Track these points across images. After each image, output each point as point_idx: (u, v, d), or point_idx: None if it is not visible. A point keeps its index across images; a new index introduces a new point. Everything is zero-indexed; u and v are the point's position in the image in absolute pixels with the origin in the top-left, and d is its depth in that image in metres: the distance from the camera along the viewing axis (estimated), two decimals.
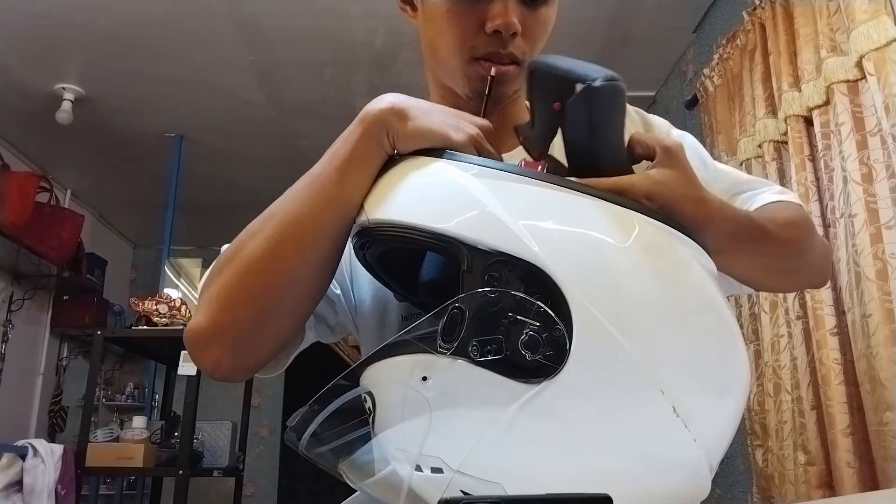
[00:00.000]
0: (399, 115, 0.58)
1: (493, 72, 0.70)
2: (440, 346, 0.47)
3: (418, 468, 0.47)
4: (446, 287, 0.63)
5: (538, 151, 0.58)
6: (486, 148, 0.59)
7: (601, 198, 0.51)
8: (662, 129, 0.87)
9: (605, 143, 0.56)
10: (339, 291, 0.80)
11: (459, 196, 0.51)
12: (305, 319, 0.68)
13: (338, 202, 0.59)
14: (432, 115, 0.59)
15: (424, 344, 0.48)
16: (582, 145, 0.56)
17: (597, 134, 0.56)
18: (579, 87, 0.54)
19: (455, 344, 0.46)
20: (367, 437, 0.51)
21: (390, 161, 0.59)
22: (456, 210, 0.50)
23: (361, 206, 0.58)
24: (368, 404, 0.51)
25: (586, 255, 0.48)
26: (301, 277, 0.61)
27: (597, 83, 0.54)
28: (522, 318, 0.46)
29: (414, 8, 0.81)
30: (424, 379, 0.47)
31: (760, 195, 0.82)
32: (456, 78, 0.76)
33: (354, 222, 0.59)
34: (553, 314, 0.46)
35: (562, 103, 0.56)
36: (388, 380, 0.50)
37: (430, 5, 0.76)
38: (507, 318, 0.46)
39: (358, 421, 0.51)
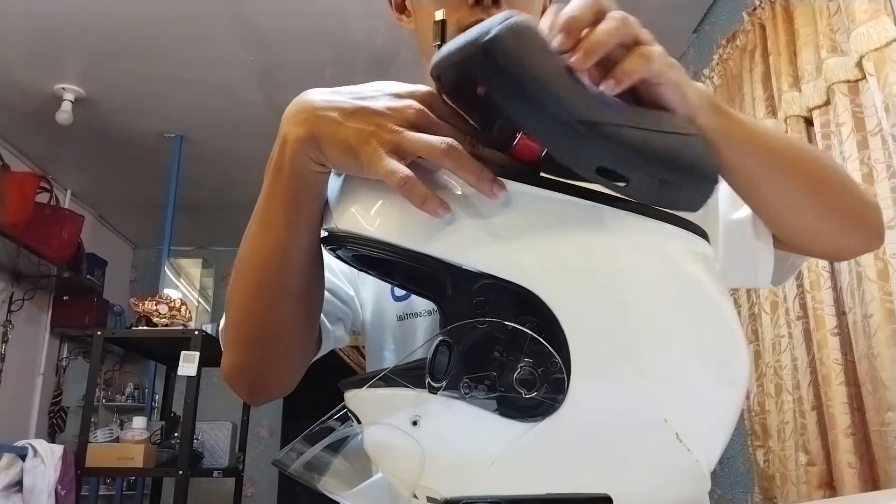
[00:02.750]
0: (316, 143, 0.50)
1: (440, 15, 0.59)
2: (430, 384, 0.43)
3: (414, 496, 0.46)
4: (424, 272, 0.61)
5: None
6: (430, 123, 0.48)
7: (600, 202, 0.45)
8: None
9: (551, 90, 0.41)
10: (352, 293, 0.81)
11: None
12: (314, 334, 0.68)
13: (295, 244, 0.56)
14: (348, 132, 0.48)
15: (414, 379, 0.44)
16: (529, 112, 0.42)
17: (531, 88, 0.41)
18: (477, 47, 0.42)
19: (445, 381, 0.43)
20: (351, 451, 0.49)
21: None
22: (436, 225, 0.45)
23: (327, 206, 0.53)
24: (358, 431, 0.48)
25: (584, 277, 0.44)
26: (291, 312, 0.61)
27: (492, 34, 0.42)
28: (516, 352, 0.42)
29: (408, 13, 0.84)
30: (415, 423, 0.44)
31: None
32: None
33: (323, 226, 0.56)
34: (549, 348, 0.42)
35: (482, 84, 0.44)
36: (378, 419, 0.46)
37: None
38: (499, 352, 0.42)
39: (346, 443, 0.49)
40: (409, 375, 0.44)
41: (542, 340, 0.42)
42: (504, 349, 0.43)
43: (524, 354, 0.42)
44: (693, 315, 0.46)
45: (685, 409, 0.45)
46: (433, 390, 0.43)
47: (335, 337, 0.76)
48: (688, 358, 0.45)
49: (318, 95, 0.51)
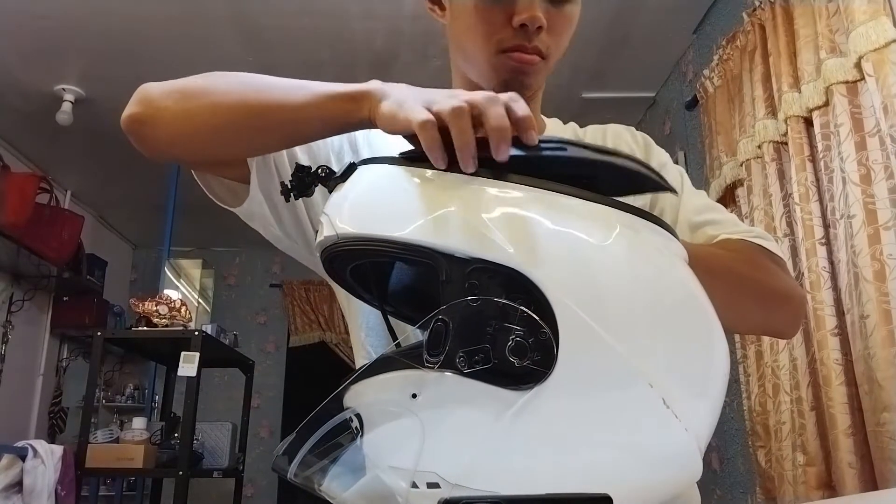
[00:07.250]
0: (380, 97, 0.58)
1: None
2: (427, 361, 0.46)
3: (414, 485, 0.47)
4: (419, 294, 0.63)
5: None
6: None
7: (575, 195, 0.50)
8: (661, 159, 0.91)
9: None
10: (292, 231, 0.81)
11: (430, 203, 0.50)
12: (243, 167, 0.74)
13: (304, 130, 0.66)
14: (407, 94, 0.57)
15: (411, 359, 0.46)
16: None
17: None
18: None
19: (442, 357, 0.45)
20: (349, 452, 0.51)
21: (354, 170, 0.57)
22: (429, 219, 0.49)
23: (327, 220, 0.55)
24: (355, 423, 0.50)
25: (565, 255, 0.47)
26: (248, 142, 0.72)
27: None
28: (507, 325, 0.45)
29: (442, 7, 0.85)
30: (414, 396, 0.46)
31: (728, 231, 0.81)
32: (483, 71, 0.80)
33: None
34: (537, 318, 0.45)
35: None
36: (377, 400, 0.48)
37: (458, 3, 0.81)
38: (491, 326, 0.45)
39: (342, 438, 0.51)
40: (406, 356, 0.47)
41: (531, 313, 0.45)
42: (496, 324, 0.45)
43: (515, 326, 0.45)
44: (667, 286, 0.50)
45: (669, 375, 0.47)
46: (430, 366, 0.45)
47: (259, 199, 0.77)
48: (666, 326, 0.49)
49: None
